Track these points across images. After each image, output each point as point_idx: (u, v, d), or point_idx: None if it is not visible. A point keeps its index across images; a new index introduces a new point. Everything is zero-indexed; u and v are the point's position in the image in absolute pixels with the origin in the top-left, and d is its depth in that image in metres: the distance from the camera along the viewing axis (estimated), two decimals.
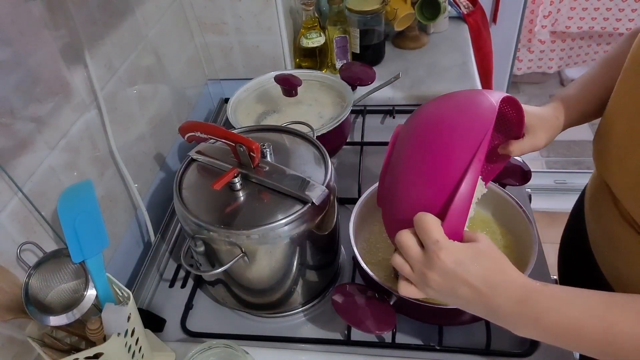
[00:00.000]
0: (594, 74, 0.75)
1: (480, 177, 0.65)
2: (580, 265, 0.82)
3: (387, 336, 0.71)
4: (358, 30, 1.22)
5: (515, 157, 0.81)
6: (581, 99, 0.73)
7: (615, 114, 0.65)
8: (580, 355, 0.68)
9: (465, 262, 0.49)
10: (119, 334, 0.58)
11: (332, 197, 0.69)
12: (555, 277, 0.77)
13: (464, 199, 0.51)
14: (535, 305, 0.48)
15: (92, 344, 0.59)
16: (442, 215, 0.51)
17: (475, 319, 0.68)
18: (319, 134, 0.87)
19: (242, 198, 0.68)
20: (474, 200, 0.64)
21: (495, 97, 0.56)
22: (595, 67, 0.75)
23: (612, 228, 0.67)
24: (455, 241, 0.50)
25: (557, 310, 0.48)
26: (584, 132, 2.34)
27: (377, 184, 0.79)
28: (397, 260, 0.53)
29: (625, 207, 0.63)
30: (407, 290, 0.54)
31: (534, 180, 0.88)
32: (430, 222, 0.50)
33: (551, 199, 2.06)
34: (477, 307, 0.51)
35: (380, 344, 0.71)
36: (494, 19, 1.78)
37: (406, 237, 0.52)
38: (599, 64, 0.75)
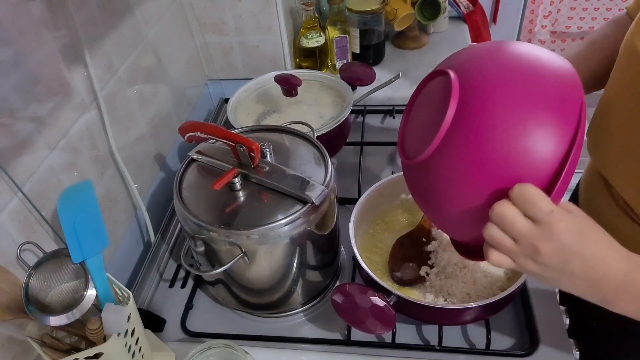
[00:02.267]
0: (578, 52, 0.75)
1: None
2: None
3: (387, 336, 0.71)
4: (358, 30, 1.22)
5: None
6: None
7: (611, 105, 0.65)
8: (580, 355, 0.68)
9: (583, 233, 0.46)
10: (119, 334, 0.58)
11: (332, 197, 0.69)
12: None
13: (573, 167, 0.46)
14: None
15: (92, 344, 0.59)
16: (545, 184, 0.46)
17: (475, 318, 0.68)
18: (319, 134, 0.87)
19: (242, 198, 0.68)
20: None
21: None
22: (581, 46, 0.76)
23: (608, 218, 0.67)
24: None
25: None
26: None
27: (377, 184, 0.79)
28: (496, 234, 0.47)
29: (623, 197, 0.63)
30: (500, 259, 0.49)
31: None
32: (536, 193, 0.45)
33: None
34: (582, 283, 0.48)
35: (380, 344, 0.71)
36: (494, 19, 1.78)
37: (510, 209, 0.46)
38: (584, 44, 0.76)
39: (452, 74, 0.51)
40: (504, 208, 0.46)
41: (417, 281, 0.73)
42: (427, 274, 0.73)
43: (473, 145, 0.48)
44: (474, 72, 0.51)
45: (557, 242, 0.45)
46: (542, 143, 0.46)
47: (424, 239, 0.76)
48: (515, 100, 0.47)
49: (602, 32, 0.75)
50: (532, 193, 0.45)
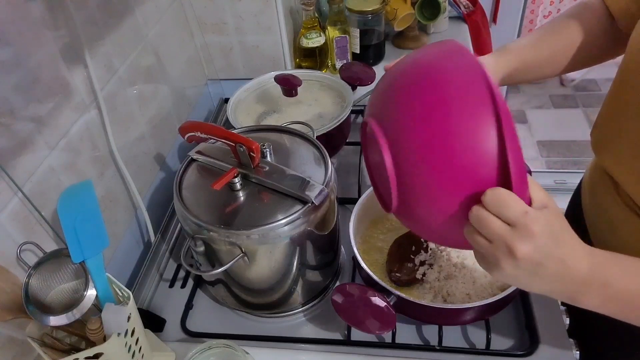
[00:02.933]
0: (540, 34, 0.76)
1: None
2: None
3: (387, 336, 0.71)
4: (358, 30, 1.22)
5: None
6: (528, 48, 0.74)
7: (628, 103, 0.65)
8: (580, 355, 0.68)
9: (555, 233, 0.46)
10: (119, 334, 0.58)
11: (332, 197, 0.69)
12: None
13: (518, 157, 0.45)
14: (604, 271, 0.49)
15: (92, 344, 0.59)
16: (503, 178, 0.46)
17: (475, 318, 0.68)
18: (319, 134, 0.87)
19: (242, 198, 0.68)
20: None
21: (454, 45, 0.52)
22: (543, 27, 0.77)
23: (615, 216, 0.68)
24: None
25: (622, 277, 0.49)
26: (584, 132, 2.34)
27: None
28: (474, 236, 0.48)
29: (629, 194, 0.63)
30: (480, 261, 0.50)
31: None
32: (507, 195, 0.46)
33: None
34: (551, 283, 0.49)
35: (380, 344, 0.71)
36: (494, 19, 1.78)
37: (485, 212, 0.46)
38: (547, 24, 0.77)
39: (371, 123, 0.52)
40: (480, 211, 0.47)
41: (414, 281, 0.73)
42: (425, 274, 0.73)
43: (425, 176, 0.49)
44: (387, 109, 0.52)
45: (532, 244, 0.46)
46: (475, 142, 0.46)
47: (422, 239, 0.76)
48: (429, 118, 0.48)
49: (567, 13, 0.76)
50: (503, 196, 0.46)
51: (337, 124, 0.91)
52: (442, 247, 0.75)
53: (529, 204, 0.47)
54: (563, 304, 0.74)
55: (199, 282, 0.83)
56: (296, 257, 0.69)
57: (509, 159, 0.45)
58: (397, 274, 0.73)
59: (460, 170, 0.47)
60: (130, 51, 0.87)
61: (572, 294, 0.50)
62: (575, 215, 0.86)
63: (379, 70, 1.18)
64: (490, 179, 0.46)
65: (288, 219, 0.63)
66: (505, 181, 0.46)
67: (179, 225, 0.93)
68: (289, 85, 0.94)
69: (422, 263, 0.74)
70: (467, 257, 0.71)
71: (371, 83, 1.03)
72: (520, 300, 0.73)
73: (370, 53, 1.28)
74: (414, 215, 0.53)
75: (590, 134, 0.72)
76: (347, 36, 1.19)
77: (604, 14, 0.73)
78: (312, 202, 0.64)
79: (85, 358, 0.57)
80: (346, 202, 0.90)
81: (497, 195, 0.46)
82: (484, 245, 0.48)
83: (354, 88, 1.00)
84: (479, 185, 0.47)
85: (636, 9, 0.67)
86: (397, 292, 0.65)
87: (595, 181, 0.74)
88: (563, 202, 0.85)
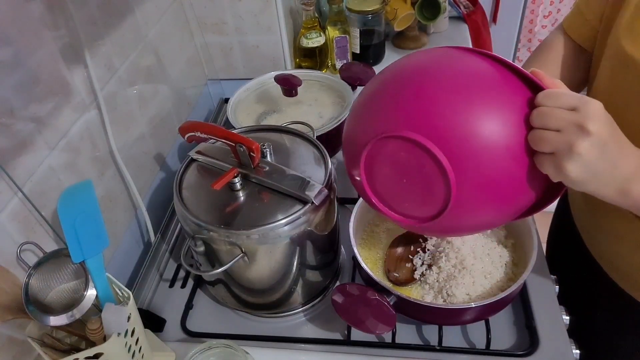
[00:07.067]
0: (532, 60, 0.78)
1: None
2: (568, 246, 0.85)
3: (387, 336, 0.71)
4: (358, 30, 1.22)
5: None
6: None
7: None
8: (580, 355, 0.68)
9: (607, 115, 0.48)
10: (119, 334, 0.58)
11: (332, 197, 0.69)
12: (554, 276, 0.77)
13: (540, 76, 0.50)
14: None
15: (92, 344, 0.59)
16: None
17: (475, 318, 0.68)
18: (319, 134, 0.87)
19: (242, 198, 0.68)
20: None
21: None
22: (535, 53, 0.79)
23: (606, 213, 0.68)
24: None
25: None
26: None
27: None
28: (541, 132, 0.48)
29: None
30: (547, 163, 0.49)
31: None
32: (557, 90, 0.48)
33: None
34: (610, 170, 0.49)
35: (380, 344, 0.71)
36: (494, 19, 1.78)
37: (546, 107, 0.48)
38: (537, 51, 0.79)
39: (417, 137, 0.49)
40: (542, 108, 0.48)
41: (412, 281, 0.73)
42: (424, 274, 0.73)
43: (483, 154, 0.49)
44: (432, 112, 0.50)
45: (599, 120, 0.47)
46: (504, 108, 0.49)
47: (420, 239, 0.76)
48: (471, 106, 0.49)
49: (553, 39, 0.78)
50: (554, 91, 0.48)
51: (337, 124, 0.91)
52: (441, 248, 0.75)
53: None
54: (562, 303, 0.74)
55: (199, 282, 0.83)
56: (296, 257, 0.69)
57: (533, 79, 0.49)
58: (395, 274, 0.74)
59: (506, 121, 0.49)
60: (130, 51, 0.87)
61: (625, 183, 0.50)
62: (564, 221, 0.86)
63: (379, 70, 1.18)
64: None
65: (288, 219, 0.63)
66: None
67: (179, 225, 0.93)
68: (289, 85, 0.94)
69: (422, 263, 0.74)
70: (465, 257, 0.71)
71: None
72: (520, 300, 0.73)
73: (370, 53, 1.28)
74: (473, 200, 0.51)
75: None
76: (347, 36, 1.19)
77: (572, 47, 0.75)
78: (312, 202, 0.64)
79: (85, 358, 0.57)
80: (346, 202, 0.90)
81: (549, 92, 0.48)
82: (552, 137, 0.47)
83: (354, 88, 1.00)
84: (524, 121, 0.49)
85: (602, 27, 0.68)
86: (397, 292, 0.65)
87: None
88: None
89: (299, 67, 1.23)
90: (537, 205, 0.56)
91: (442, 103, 0.49)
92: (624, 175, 0.49)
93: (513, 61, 2.10)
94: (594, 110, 0.46)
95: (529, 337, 0.69)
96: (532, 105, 0.49)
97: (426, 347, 0.70)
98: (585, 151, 0.46)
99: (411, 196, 0.55)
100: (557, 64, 0.74)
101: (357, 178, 0.57)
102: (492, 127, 0.48)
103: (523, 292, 0.74)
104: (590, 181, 0.49)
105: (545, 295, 0.74)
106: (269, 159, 0.72)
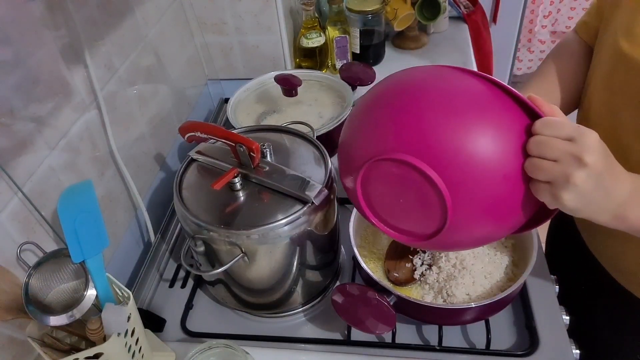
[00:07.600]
0: (545, 70, 0.78)
1: None
2: (568, 245, 0.86)
3: (387, 336, 0.71)
4: (358, 30, 1.22)
5: None
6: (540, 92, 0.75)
7: (597, 113, 0.66)
8: (580, 355, 0.68)
9: (604, 146, 0.49)
10: (119, 334, 0.58)
11: (332, 197, 0.69)
12: (554, 276, 0.77)
13: (538, 102, 0.50)
14: None
15: (92, 344, 0.59)
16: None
17: (475, 318, 0.68)
18: (319, 134, 0.87)
19: (242, 198, 0.68)
20: None
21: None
22: (547, 62, 0.79)
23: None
24: None
25: None
26: None
27: None
28: (538, 161, 0.49)
29: None
30: (543, 190, 0.50)
31: None
32: (554, 118, 0.49)
33: None
34: (605, 198, 0.50)
35: (380, 344, 0.71)
36: (494, 19, 1.78)
37: (544, 137, 0.49)
38: (550, 58, 0.79)
39: (408, 159, 0.50)
40: (540, 137, 0.49)
41: (412, 281, 0.73)
42: (424, 274, 0.73)
43: (476, 170, 0.50)
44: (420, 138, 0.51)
45: (595, 151, 0.48)
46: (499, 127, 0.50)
47: None
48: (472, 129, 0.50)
49: (565, 44, 0.78)
50: (552, 120, 0.49)
51: (337, 124, 0.92)
52: None
53: None
54: (562, 303, 0.74)
55: (199, 282, 0.83)
56: (296, 257, 0.69)
57: (530, 106, 0.49)
58: (395, 274, 0.74)
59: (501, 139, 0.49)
60: (130, 51, 0.87)
61: (619, 209, 0.51)
62: (564, 221, 0.86)
63: (379, 70, 1.18)
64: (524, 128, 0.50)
65: (288, 219, 0.63)
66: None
67: (179, 225, 0.93)
68: (289, 85, 0.94)
69: (422, 263, 0.74)
70: (465, 257, 0.71)
71: (371, 83, 1.03)
72: (520, 300, 0.73)
73: (370, 53, 1.28)
74: (468, 221, 0.52)
75: None
76: (347, 36, 1.19)
77: (584, 49, 0.75)
78: (312, 202, 0.64)
79: (85, 358, 0.57)
80: (346, 202, 0.90)
81: (547, 121, 0.49)
82: (549, 167, 0.48)
83: (354, 88, 1.00)
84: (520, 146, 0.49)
85: (601, 26, 0.69)
86: (397, 292, 0.65)
87: None
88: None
89: (299, 67, 1.23)
90: (535, 221, 0.58)
91: (440, 127, 0.50)
92: (618, 201, 0.51)
93: (513, 61, 2.12)
94: (591, 142, 0.47)
95: (529, 337, 0.69)
96: (529, 132, 0.50)
97: (426, 347, 0.70)
98: (581, 182, 0.47)
99: (408, 216, 0.56)
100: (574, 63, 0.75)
101: (349, 186, 0.59)
102: (489, 153, 0.49)
103: (523, 292, 0.74)
104: (585, 209, 0.50)
105: (545, 295, 0.74)
106: (269, 159, 0.72)
